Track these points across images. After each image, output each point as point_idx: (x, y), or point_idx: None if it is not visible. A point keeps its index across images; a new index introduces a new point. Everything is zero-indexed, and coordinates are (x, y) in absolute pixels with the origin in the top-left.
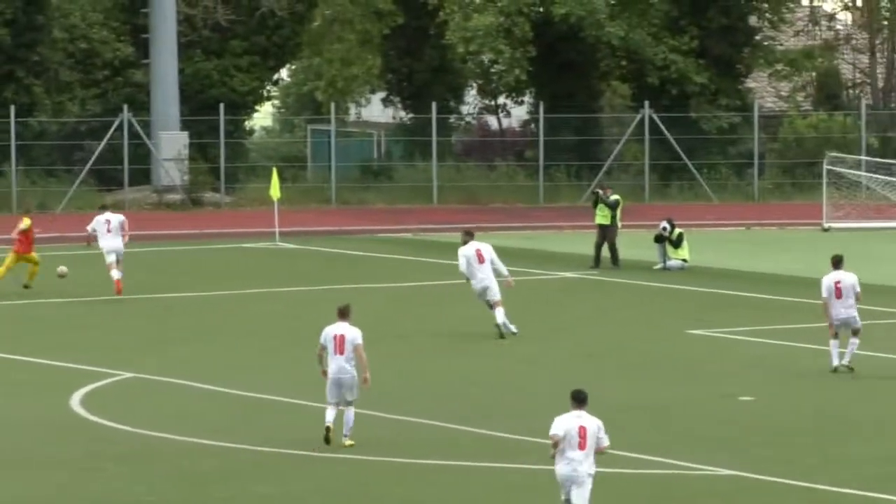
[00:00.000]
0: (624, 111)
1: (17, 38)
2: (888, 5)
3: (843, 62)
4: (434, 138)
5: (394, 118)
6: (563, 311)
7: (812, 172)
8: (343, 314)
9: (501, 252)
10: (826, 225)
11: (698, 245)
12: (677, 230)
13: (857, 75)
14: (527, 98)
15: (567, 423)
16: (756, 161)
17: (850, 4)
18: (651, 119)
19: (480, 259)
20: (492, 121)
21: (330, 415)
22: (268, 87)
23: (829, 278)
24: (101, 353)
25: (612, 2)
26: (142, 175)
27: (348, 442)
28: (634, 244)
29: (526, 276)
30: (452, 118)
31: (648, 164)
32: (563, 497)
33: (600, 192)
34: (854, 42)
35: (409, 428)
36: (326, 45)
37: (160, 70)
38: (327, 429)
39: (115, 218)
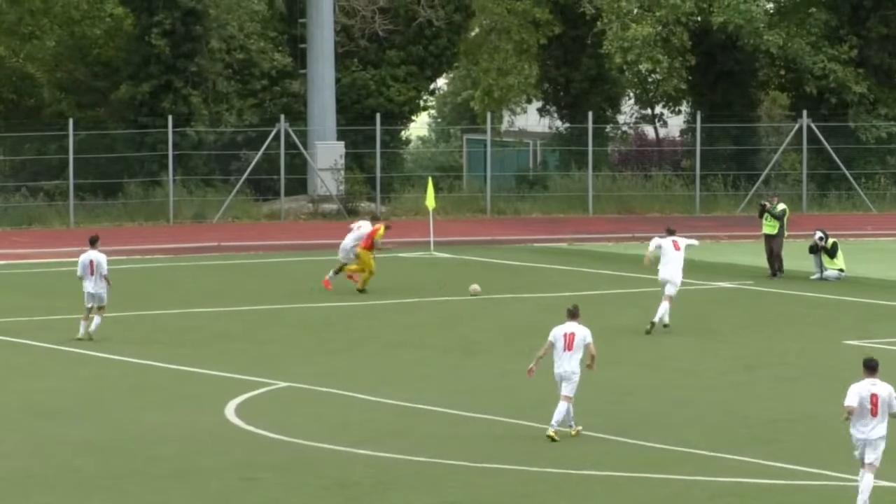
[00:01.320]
0: (782, 120)
1: (176, 48)
2: None
3: None
4: (590, 148)
5: (550, 128)
6: (721, 321)
7: None
8: (573, 315)
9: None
10: None
11: (856, 255)
12: (831, 240)
13: None
14: (684, 107)
15: (860, 391)
16: None
17: None
18: (809, 128)
19: (676, 247)
20: (648, 130)
21: (560, 412)
22: (424, 97)
23: None
24: (254, 363)
25: (771, 11)
26: (298, 185)
27: (575, 431)
28: (791, 254)
29: (682, 287)
30: (608, 128)
31: (806, 173)
32: (856, 454)
33: (767, 203)
34: None
35: (568, 439)
36: (483, 54)
37: (317, 80)
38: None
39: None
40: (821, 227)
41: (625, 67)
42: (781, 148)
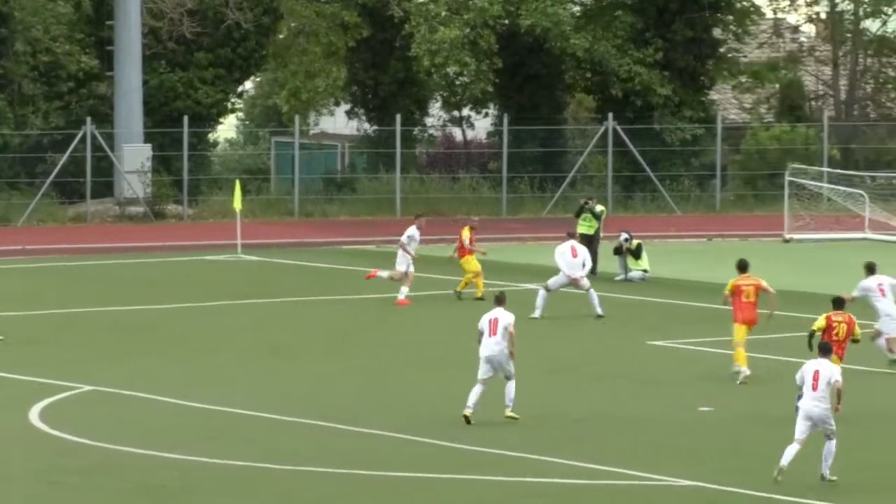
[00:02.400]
0: (588, 123)
1: None
2: (851, 17)
3: (807, 74)
4: (398, 150)
5: (358, 130)
6: (527, 323)
7: (774, 184)
8: (499, 301)
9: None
10: (787, 236)
11: (660, 256)
12: (636, 241)
13: (820, 87)
14: (491, 110)
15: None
16: (718, 173)
17: (813, 17)
18: (615, 131)
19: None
20: (456, 133)
21: (474, 395)
22: (232, 100)
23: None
24: (59, 367)
25: (578, 14)
26: (105, 187)
27: (510, 413)
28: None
29: (488, 288)
30: (416, 130)
31: (611, 175)
32: (803, 429)
33: (588, 201)
34: (817, 54)
35: (374, 441)
36: (291, 57)
37: (124, 82)
38: (468, 409)
39: None
40: (625, 228)
41: (433, 70)
42: (587, 150)
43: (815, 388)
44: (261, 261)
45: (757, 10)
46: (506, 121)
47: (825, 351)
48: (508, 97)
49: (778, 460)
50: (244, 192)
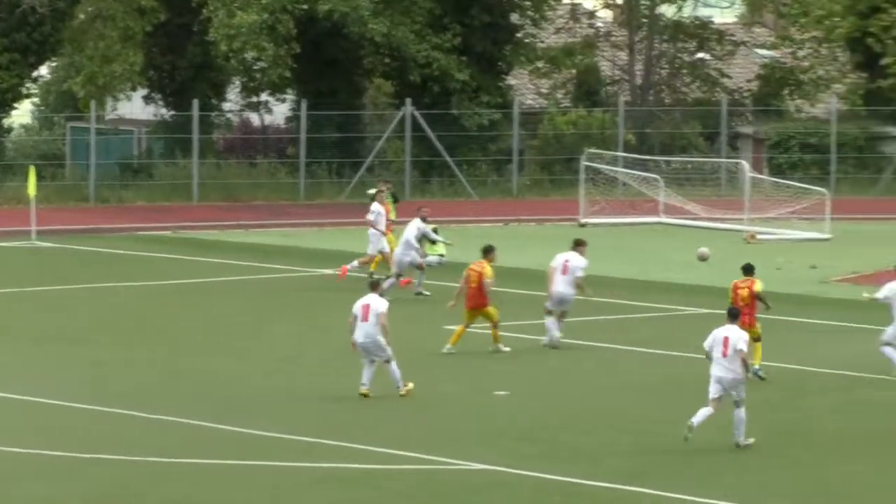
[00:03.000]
0: (387, 108)
1: None
2: (647, 3)
3: (603, 59)
4: (195, 135)
5: (155, 115)
6: (324, 308)
7: (570, 168)
8: (373, 286)
9: (262, 250)
10: (583, 220)
11: (457, 241)
12: (432, 225)
13: (616, 72)
14: (290, 95)
15: (715, 333)
16: (515, 157)
17: (610, 2)
18: (413, 116)
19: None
20: (254, 118)
21: (365, 374)
22: (27, 85)
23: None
24: None
25: None
26: None
27: (402, 391)
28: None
29: (286, 274)
30: (214, 115)
31: (410, 160)
32: (714, 392)
33: (378, 189)
34: (613, 39)
35: (169, 427)
36: (88, 42)
37: None
38: (363, 386)
39: None
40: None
41: (230, 55)
42: (385, 135)
43: (724, 354)
44: (56, 247)
45: None
46: (304, 106)
47: (733, 316)
48: (307, 82)
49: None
50: (39, 177)
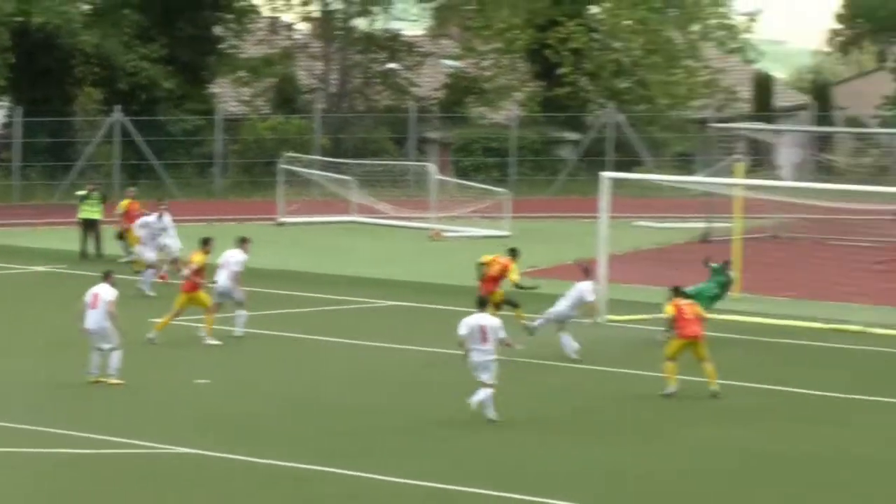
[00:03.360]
0: (97, 115)
1: None
2: (342, 16)
3: (300, 69)
4: None
5: None
6: (36, 303)
7: (270, 171)
8: (106, 277)
9: None
10: (281, 220)
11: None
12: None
13: (313, 81)
14: (5, 103)
15: (469, 322)
16: (218, 161)
17: (307, 16)
18: (122, 122)
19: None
20: None
21: (93, 361)
22: None
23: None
24: None
25: (88, 11)
26: None
27: (113, 381)
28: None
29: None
30: None
31: (119, 164)
32: (478, 378)
33: (92, 189)
34: (310, 50)
35: None
36: None
37: None
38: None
39: None
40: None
41: None
42: (95, 141)
43: (483, 340)
44: None
45: (255, 9)
46: (19, 113)
47: (482, 304)
48: (22, 91)
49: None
50: None
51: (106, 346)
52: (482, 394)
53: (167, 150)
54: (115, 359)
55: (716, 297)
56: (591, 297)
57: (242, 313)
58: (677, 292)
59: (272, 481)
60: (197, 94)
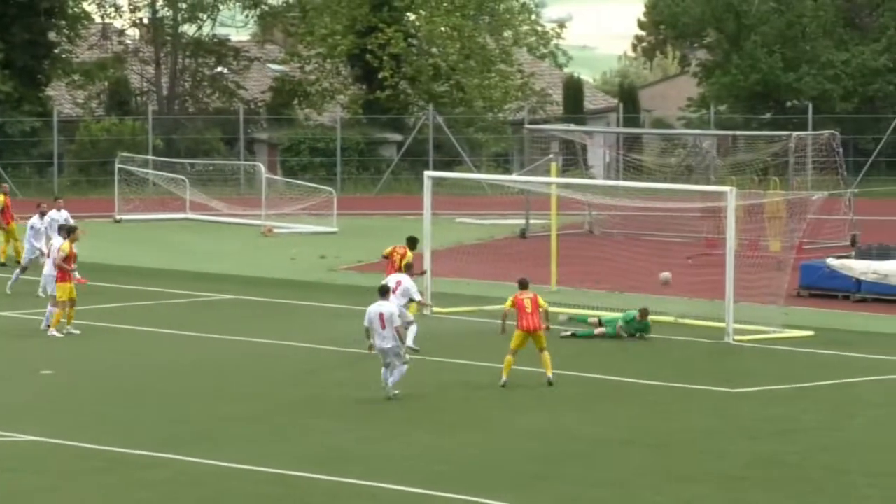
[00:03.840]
0: None
1: None
2: (171, 22)
3: (132, 72)
4: None
5: None
6: None
7: (106, 171)
8: (384, 293)
9: None
10: (118, 217)
11: None
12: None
13: (145, 84)
14: None
15: (370, 311)
16: (56, 161)
17: (137, 21)
18: None
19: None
20: None
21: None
22: None
23: None
24: None
25: None
26: None
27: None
28: None
29: None
30: None
31: None
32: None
33: None
34: (142, 54)
35: None
36: None
37: None
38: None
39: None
40: None
41: None
42: None
43: (382, 326)
44: None
45: (87, 16)
46: None
47: (384, 293)
48: None
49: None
50: None
51: None
52: (397, 374)
53: (5, 151)
54: None
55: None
56: (417, 296)
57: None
58: (521, 285)
59: (110, 467)
60: (33, 96)
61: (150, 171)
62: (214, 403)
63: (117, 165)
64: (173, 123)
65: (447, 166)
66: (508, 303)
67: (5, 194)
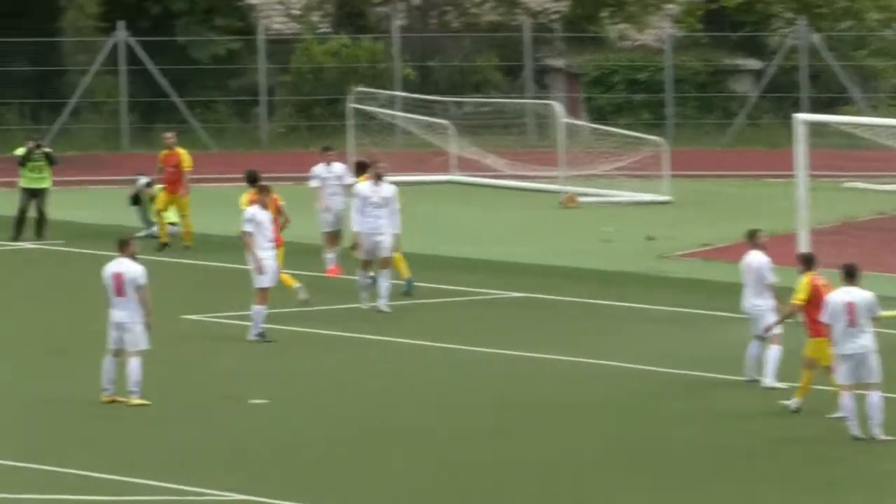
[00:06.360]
0: (94, 34)
1: None
2: None
3: None
4: None
5: None
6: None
7: (334, 112)
8: (851, 275)
9: None
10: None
11: (195, 206)
12: (158, 186)
13: None
14: None
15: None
16: (263, 98)
17: None
18: (128, 45)
19: None
20: None
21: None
22: None
23: None
24: None
25: None
26: None
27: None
28: (109, 205)
29: None
30: None
31: (127, 102)
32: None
33: (31, 143)
34: None
35: None
36: None
37: None
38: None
39: None
40: (141, 170)
41: None
42: (93, 69)
43: (852, 324)
44: None
45: None
46: None
47: (850, 275)
48: None
49: None
50: None
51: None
52: None
53: (191, 83)
54: (135, 370)
55: None
56: (771, 277)
57: None
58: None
59: None
60: (228, 6)
61: (398, 112)
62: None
63: (350, 105)
64: (430, 45)
65: (828, 107)
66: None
67: (169, 148)
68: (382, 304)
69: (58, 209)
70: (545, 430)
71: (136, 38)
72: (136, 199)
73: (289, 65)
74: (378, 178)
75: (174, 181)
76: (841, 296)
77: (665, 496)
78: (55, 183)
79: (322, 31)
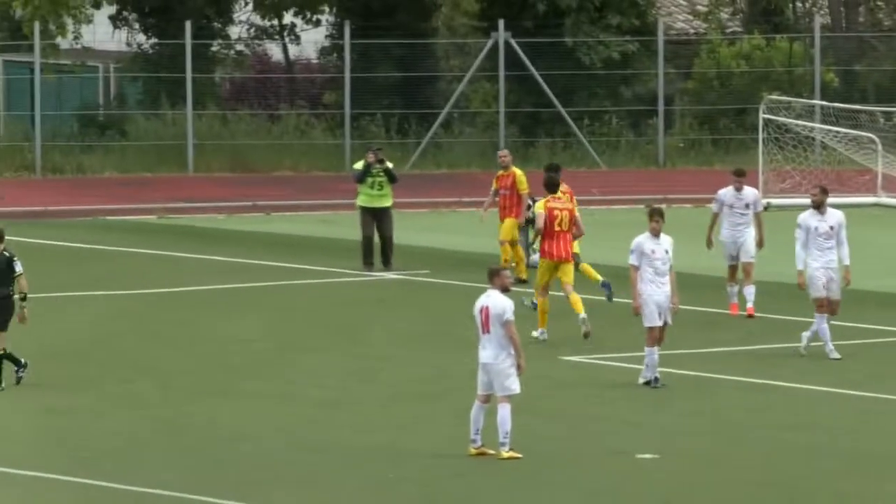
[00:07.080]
0: (469, 35)
1: None
2: None
3: None
4: (188, 74)
5: (129, 45)
6: (375, 327)
7: (742, 124)
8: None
9: (288, 243)
10: (765, 201)
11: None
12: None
13: None
14: (326, 15)
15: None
16: (661, 108)
17: None
18: (508, 46)
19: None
20: (274, 50)
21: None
22: None
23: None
24: None
25: None
26: None
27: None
28: (479, 229)
29: (325, 279)
30: (216, 45)
31: (504, 112)
32: None
33: (372, 156)
34: None
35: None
36: None
37: None
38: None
39: None
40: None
41: None
42: (468, 75)
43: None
44: None
45: None
46: (347, 31)
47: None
48: None
49: None
50: None
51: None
52: None
53: (579, 91)
54: (506, 418)
55: None
56: None
57: None
58: None
59: None
60: (624, 2)
61: (816, 124)
62: None
63: (761, 116)
64: (856, 46)
65: None
66: None
67: (504, 168)
68: (828, 349)
69: (420, 234)
70: None
71: (517, 38)
72: (525, 222)
73: (691, 69)
74: (818, 206)
75: (509, 206)
76: None
77: None
78: (422, 205)
79: (731, 31)
